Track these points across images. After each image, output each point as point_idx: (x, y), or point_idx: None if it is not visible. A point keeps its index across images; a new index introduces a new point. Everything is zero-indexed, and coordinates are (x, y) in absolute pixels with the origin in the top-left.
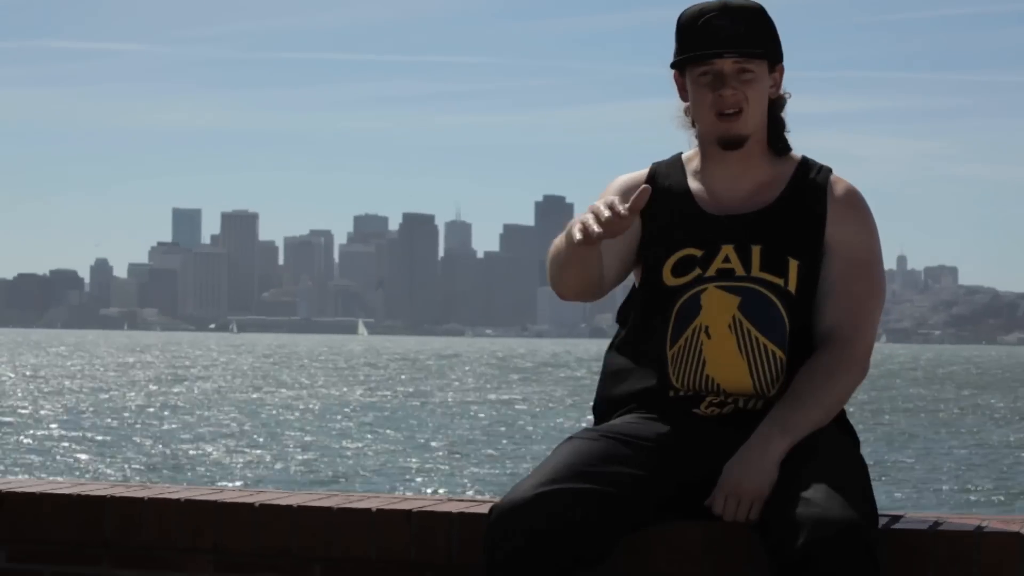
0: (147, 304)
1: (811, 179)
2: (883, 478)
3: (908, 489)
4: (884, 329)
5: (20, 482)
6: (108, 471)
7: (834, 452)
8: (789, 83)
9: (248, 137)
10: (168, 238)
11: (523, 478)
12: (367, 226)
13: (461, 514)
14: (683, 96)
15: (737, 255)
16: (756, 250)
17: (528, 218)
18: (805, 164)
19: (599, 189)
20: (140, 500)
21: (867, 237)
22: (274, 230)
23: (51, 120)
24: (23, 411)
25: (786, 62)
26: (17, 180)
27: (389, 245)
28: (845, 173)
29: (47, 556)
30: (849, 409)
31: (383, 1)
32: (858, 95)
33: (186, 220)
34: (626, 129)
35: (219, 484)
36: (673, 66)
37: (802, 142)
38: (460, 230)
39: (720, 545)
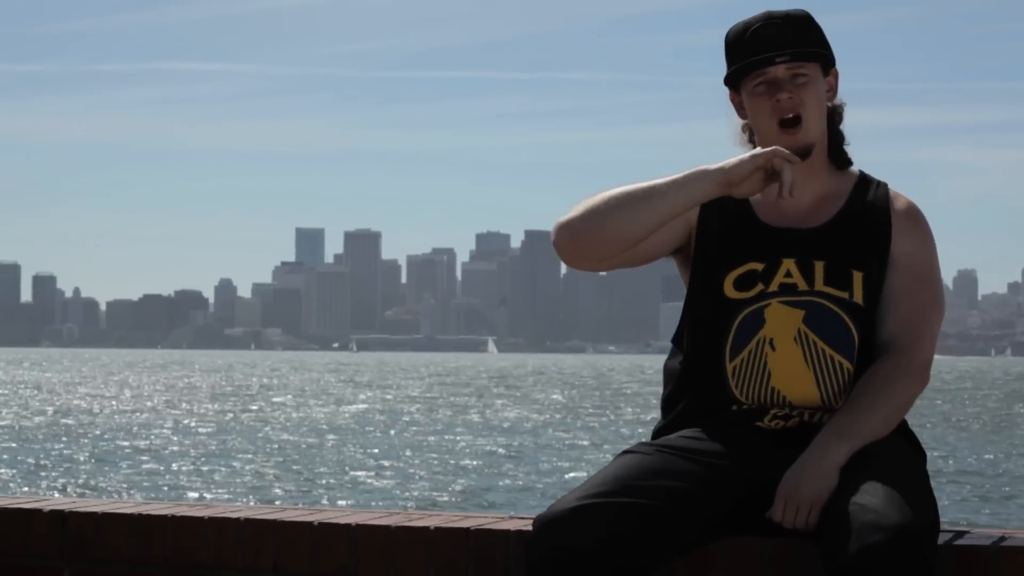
0: (271, 324)
1: (872, 193)
2: (965, 488)
3: (993, 504)
4: (1010, 342)
5: (84, 502)
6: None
7: (893, 459)
8: (910, 95)
9: (371, 156)
10: (291, 257)
11: (569, 491)
12: (489, 244)
13: (519, 531)
14: (741, 114)
15: (799, 269)
16: (819, 265)
17: None
18: (864, 179)
19: None
20: (200, 520)
21: (928, 252)
22: (397, 248)
23: (172, 142)
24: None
25: (909, 76)
26: (140, 203)
27: (511, 262)
28: (968, 184)
29: (109, 575)
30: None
31: (501, 20)
32: (978, 106)
33: (309, 239)
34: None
35: (278, 503)
36: (727, 83)
37: (921, 154)
38: None
39: (779, 561)
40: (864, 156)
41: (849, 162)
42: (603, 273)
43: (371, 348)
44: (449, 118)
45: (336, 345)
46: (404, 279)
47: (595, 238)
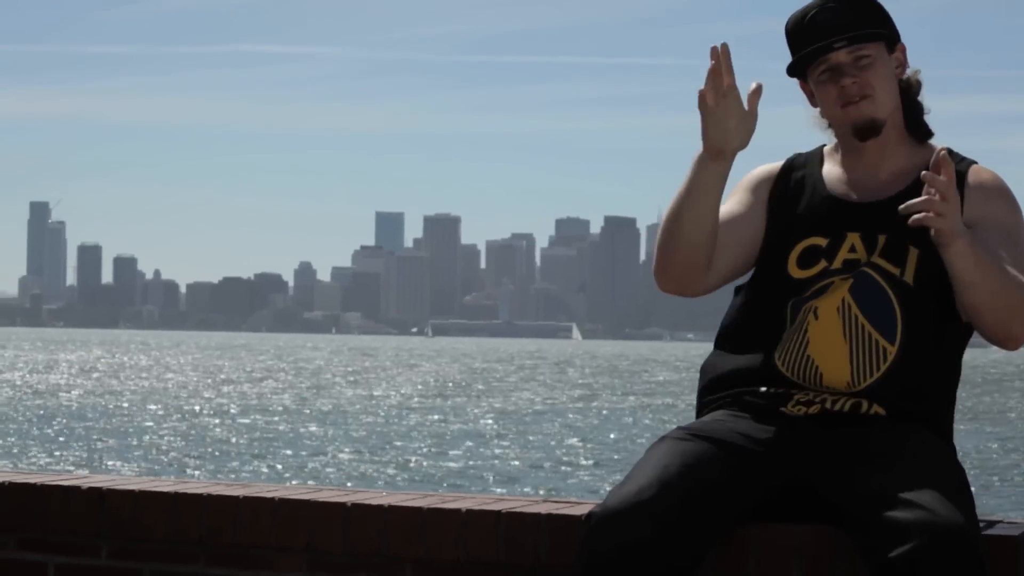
0: (350, 308)
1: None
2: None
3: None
4: None
5: (121, 480)
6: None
7: (936, 457)
8: (1004, 82)
9: (451, 140)
10: (371, 241)
11: (618, 483)
12: (569, 229)
13: (550, 515)
14: (812, 103)
15: (863, 244)
16: (882, 239)
17: None
18: (949, 154)
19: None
20: (235, 498)
21: (1017, 219)
22: (476, 233)
23: (252, 125)
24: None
25: (998, 63)
26: (221, 186)
27: (591, 248)
28: None
29: (145, 554)
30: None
31: (583, 4)
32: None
33: (389, 223)
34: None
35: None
36: (791, 73)
37: (1007, 142)
38: None
39: (809, 549)
40: (956, 143)
41: (929, 133)
42: None
43: (449, 333)
44: (529, 103)
45: (414, 330)
46: (483, 264)
47: (674, 261)
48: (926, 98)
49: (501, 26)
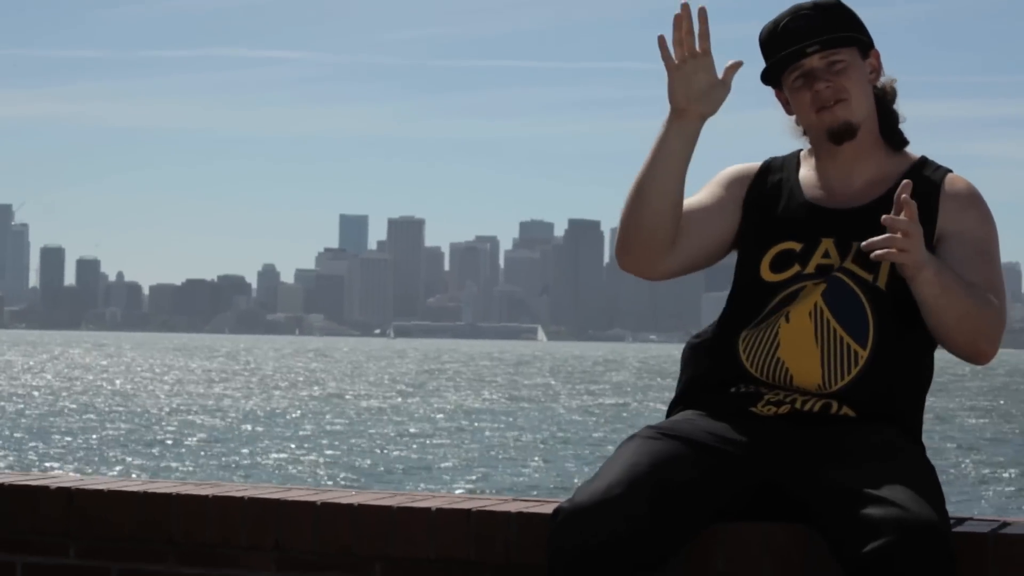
0: (313, 310)
1: (925, 176)
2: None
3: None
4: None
5: (90, 480)
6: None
7: (906, 455)
8: (961, 88)
9: (415, 143)
10: (335, 244)
11: (587, 480)
12: (533, 232)
13: (520, 514)
14: (787, 110)
15: (837, 250)
16: (855, 246)
17: None
18: (923, 162)
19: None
20: (205, 498)
21: (988, 231)
22: (440, 236)
23: (219, 128)
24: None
25: (971, 69)
26: (185, 188)
27: (555, 251)
28: (1015, 178)
29: (114, 553)
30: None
31: (548, 8)
32: (1019, 99)
33: (353, 226)
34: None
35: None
36: (765, 81)
37: (970, 147)
38: None
39: (779, 546)
40: (915, 147)
41: (905, 141)
42: None
43: (412, 335)
44: (494, 107)
45: (378, 331)
46: (447, 266)
47: (636, 234)
48: (902, 106)
49: (467, 31)
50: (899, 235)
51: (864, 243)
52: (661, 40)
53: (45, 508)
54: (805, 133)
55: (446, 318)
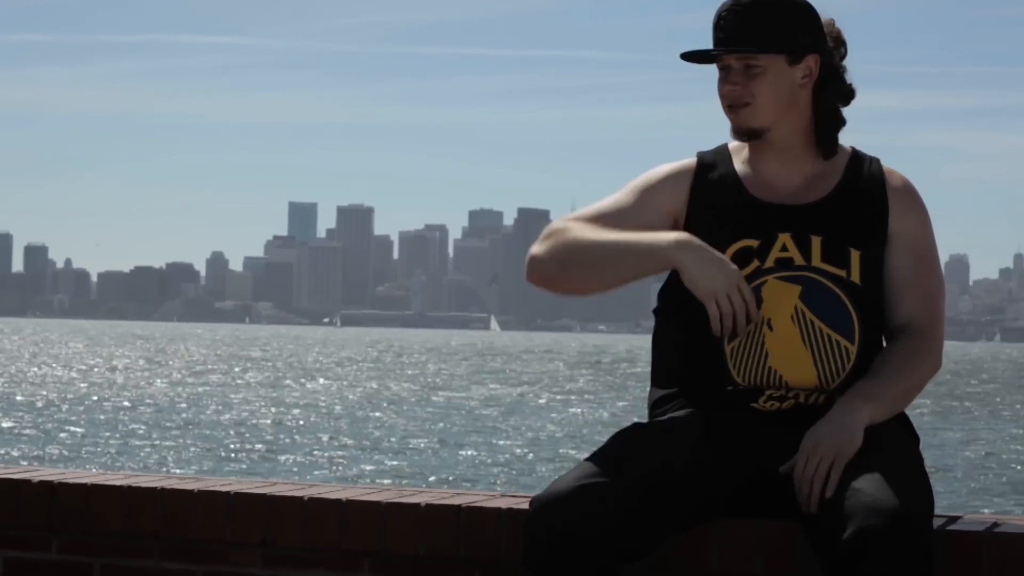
0: (262, 298)
1: (866, 170)
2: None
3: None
4: (999, 328)
5: (72, 473)
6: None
7: (892, 444)
8: (904, 79)
9: (366, 131)
10: (284, 232)
11: (567, 471)
12: (482, 221)
13: (510, 510)
14: None
15: (795, 244)
16: (816, 241)
17: None
18: (857, 155)
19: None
20: (190, 493)
21: (929, 231)
22: (389, 224)
23: (167, 114)
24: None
25: (904, 59)
26: (133, 175)
27: (504, 240)
28: (958, 170)
29: (97, 548)
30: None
31: None
32: (975, 91)
33: (302, 214)
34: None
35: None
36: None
37: (918, 138)
38: None
39: (771, 543)
40: (862, 139)
41: (833, 151)
42: None
43: (361, 323)
44: (443, 95)
45: (327, 320)
46: (396, 255)
47: (564, 285)
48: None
49: (417, 18)
50: (822, 465)
51: (803, 507)
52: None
53: (27, 502)
54: None
55: (395, 307)
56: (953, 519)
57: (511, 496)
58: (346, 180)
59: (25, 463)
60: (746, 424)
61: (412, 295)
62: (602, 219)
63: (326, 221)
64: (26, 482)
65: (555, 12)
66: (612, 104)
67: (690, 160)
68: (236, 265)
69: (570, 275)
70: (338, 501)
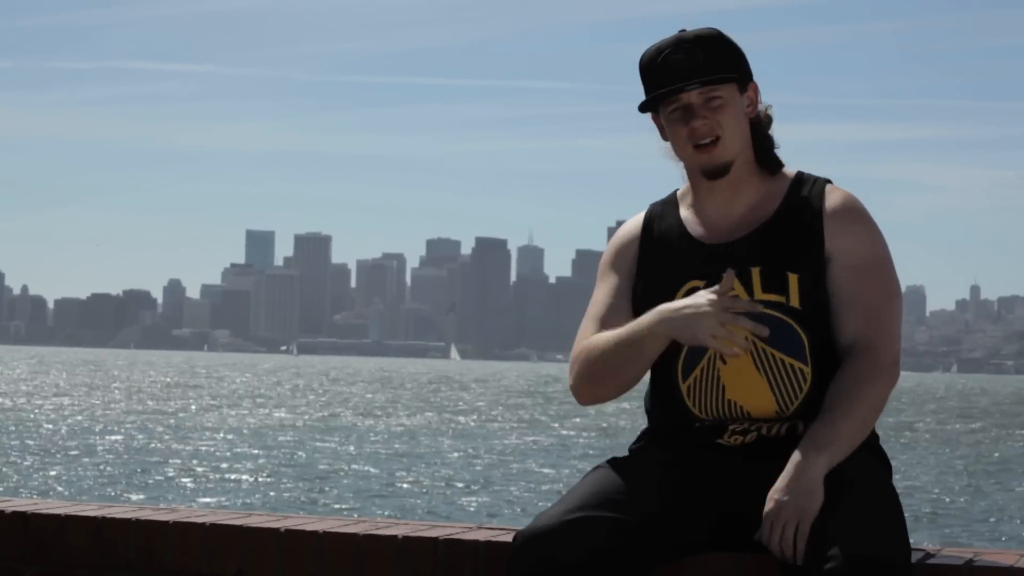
0: (219, 325)
1: (805, 193)
2: (935, 512)
3: (956, 526)
4: (956, 359)
5: (46, 503)
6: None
7: (864, 482)
8: (865, 111)
9: (322, 160)
10: (241, 259)
11: (549, 506)
12: (440, 250)
13: (488, 542)
14: (663, 135)
15: (739, 279)
16: (755, 272)
17: (600, 243)
18: (799, 179)
19: (631, 218)
20: (165, 524)
21: (870, 241)
22: (347, 253)
23: (124, 142)
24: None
25: (865, 89)
26: (90, 202)
27: (461, 269)
28: (918, 201)
29: None
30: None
31: (456, 26)
32: (933, 123)
33: (259, 242)
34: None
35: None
36: (642, 109)
37: (875, 170)
38: (532, 255)
39: None
40: (818, 170)
41: (780, 165)
42: (552, 281)
43: (318, 352)
44: (401, 123)
45: (284, 348)
46: (353, 283)
47: (605, 394)
48: (777, 131)
49: (374, 47)
50: (787, 531)
51: (760, 541)
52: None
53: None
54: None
55: (353, 335)
56: (930, 555)
57: (489, 528)
58: (303, 208)
59: None
60: (715, 463)
61: (370, 323)
62: (600, 323)
63: (283, 249)
64: None
65: (512, 42)
66: (570, 134)
67: (638, 218)
68: (193, 293)
69: (603, 385)
70: (315, 533)
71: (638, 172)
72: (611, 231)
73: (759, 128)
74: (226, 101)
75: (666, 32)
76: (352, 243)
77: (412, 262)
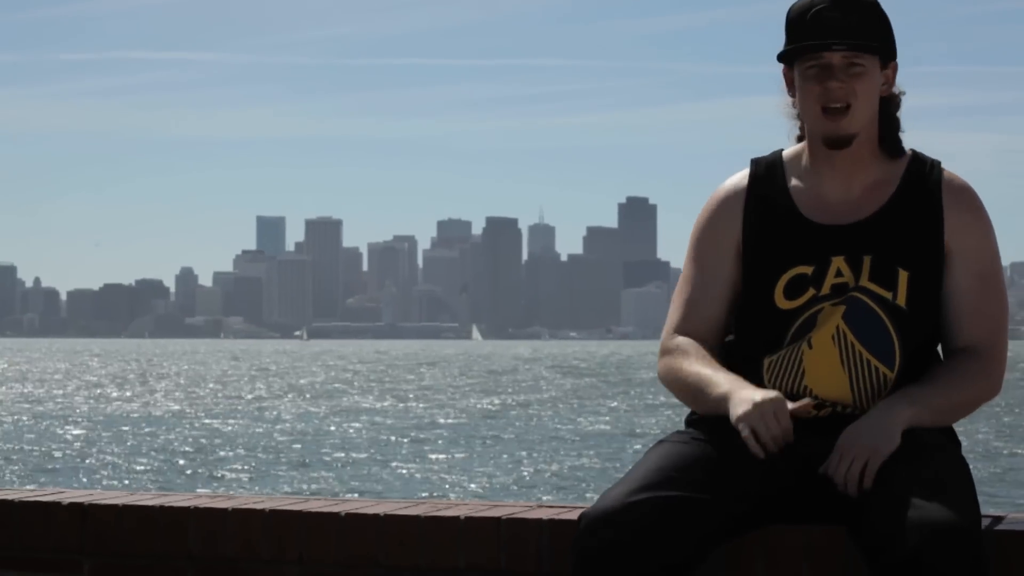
0: (232, 312)
1: (924, 178)
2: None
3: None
4: None
5: (104, 495)
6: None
7: (938, 453)
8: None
9: (331, 143)
10: (253, 246)
11: (613, 484)
12: (451, 231)
13: (551, 521)
14: (790, 91)
15: (849, 267)
16: (867, 260)
17: (611, 220)
18: (916, 160)
19: (681, 190)
20: (224, 511)
21: (990, 244)
22: (358, 236)
23: (132, 132)
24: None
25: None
26: (99, 192)
27: (473, 249)
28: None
29: (130, 570)
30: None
31: (459, 5)
32: (937, 90)
33: (270, 228)
34: (703, 128)
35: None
36: (781, 59)
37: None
38: (543, 233)
39: (818, 550)
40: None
41: (902, 151)
42: (564, 259)
43: (331, 336)
44: (409, 105)
45: (297, 333)
46: (365, 267)
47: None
48: (905, 116)
49: (381, 29)
50: (855, 465)
51: (826, 471)
52: (768, 444)
53: (57, 524)
54: (798, 117)
55: (366, 319)
56: (997, 519)
57: (551, 507)
58: (313, 193)
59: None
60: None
61: (382, 306)
62: (691, 309)
63: (294, 235)
64: (56, 504)
65: (517, 20)
66: (578, 111)
67: (741, 177)
68: (206, 280)
69: (679, 397)
70: (375, 516)
71: (647, 148)
72: (622, 207)
73: (888, 109)
74: (232, 88)
75: (674, 7)
76: (363, 226)
77: (424, 244)
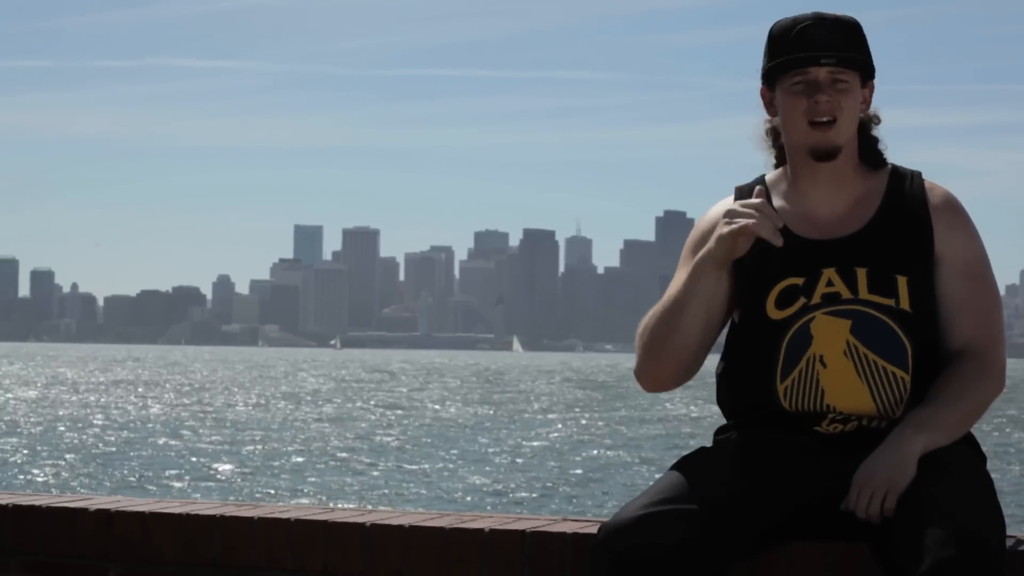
0: (268, 320)
1: (907, 189)
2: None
3: None
4: (1008, 344)
5: (129, 501)
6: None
7: (960, 468)
8: (906, 97)
9: (369, 154)
10: (290, 255)
11: (632, 498)
12: (487, 242)
13: (575, 535)
14: (769, 111)
15: (841, 278)
16: (862, 272)
17: (649, 233)
18: (897, 173)
19: (719, 201)
20: (249, 520)
21: (976, 246)
22: (395, 246)
23: (171, 139)
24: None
25: (906, 75)
26: (138, 199)
27: (509, 261)
28: (961, 187)
29: None
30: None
31: (498, 18)
32: (974, 108)
33: (308, 237)
34: (741, 143)
35: (330, 504)
36: (765, 75)
37: (916, 156)
38: (580, 246)
39: (840, 567)
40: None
41: (884, 162)
42: (600, 272)
43: (366, 345)
44: (448, 116)
45: (333, 342)
46: (402, 277)
47: (666, 369)
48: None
49: (419, 40)
50: (875, 500)
51: (847, 508)
52: (735, 239)
53: (84, 530)
54: (774, 144)
55: (401, 328)
56: (1021, 541)
57: (575, 520)
58: (351, 203)
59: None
60: (808, 449)
61: (418, 316)
62: None
63: (332, 244)
64: (83, 511)
65: (557, 33)
66: (616, 124)
67: (726, 202)
68: (242, 288)
69: (660, 354)
70: (400, 527)
71: (684, 162)
72: (659, 221)
73: (867, 126)
74: (271, 96)
75: (710, 21)
76: (400, 236)
77: (460, 255)
